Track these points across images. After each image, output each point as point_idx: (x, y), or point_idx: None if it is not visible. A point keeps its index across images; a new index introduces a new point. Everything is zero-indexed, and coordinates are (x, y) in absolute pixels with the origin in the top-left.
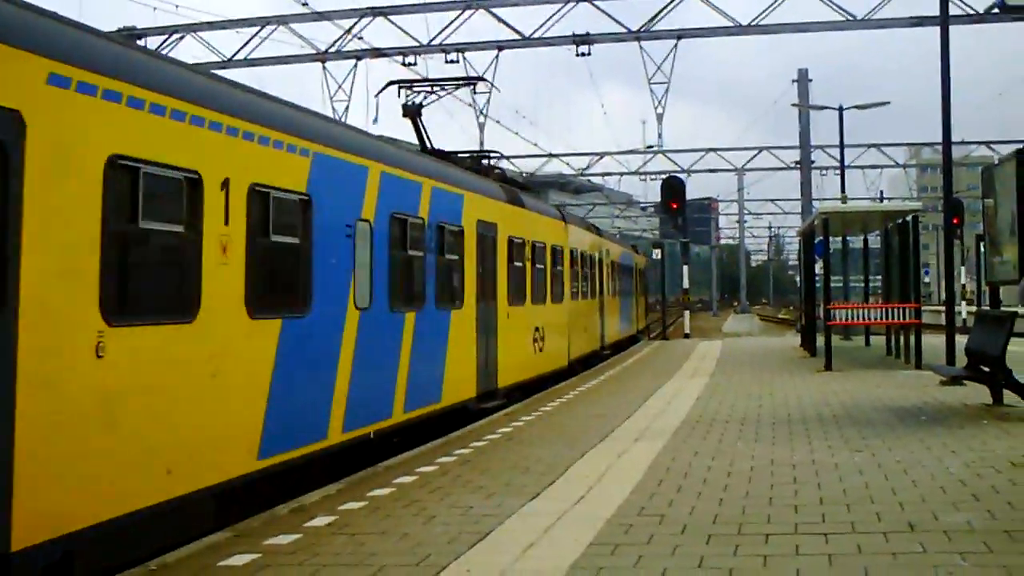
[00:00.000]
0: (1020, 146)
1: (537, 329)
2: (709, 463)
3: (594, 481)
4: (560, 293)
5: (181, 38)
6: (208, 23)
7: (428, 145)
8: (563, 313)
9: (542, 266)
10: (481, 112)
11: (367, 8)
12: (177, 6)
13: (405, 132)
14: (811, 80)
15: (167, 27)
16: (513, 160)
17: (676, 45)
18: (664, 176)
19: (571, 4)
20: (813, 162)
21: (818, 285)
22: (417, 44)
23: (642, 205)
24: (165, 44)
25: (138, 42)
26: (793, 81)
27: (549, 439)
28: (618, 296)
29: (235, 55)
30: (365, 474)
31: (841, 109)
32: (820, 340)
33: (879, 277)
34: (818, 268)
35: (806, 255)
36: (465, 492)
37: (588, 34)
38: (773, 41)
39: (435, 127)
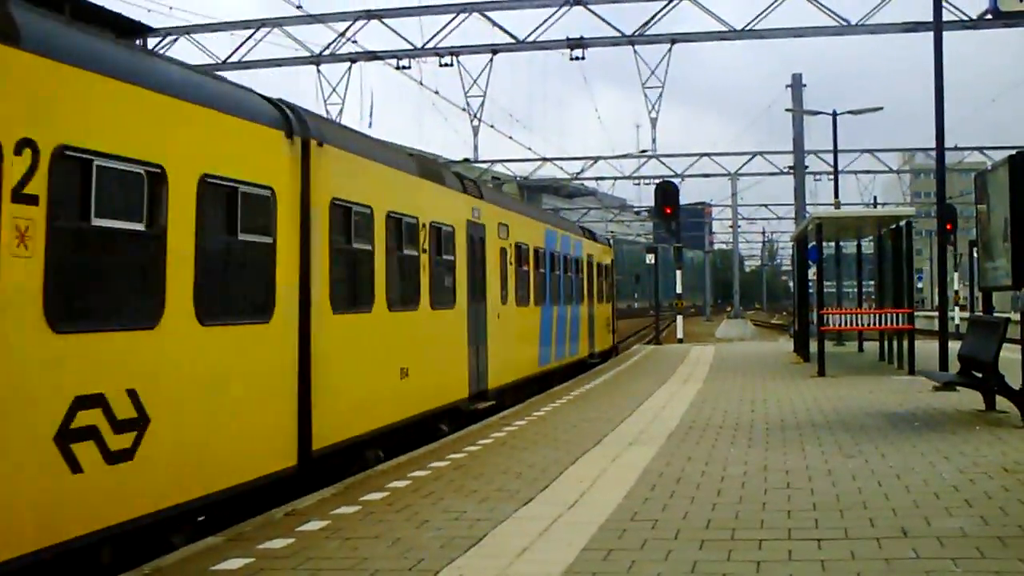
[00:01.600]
0: (1013, 151)
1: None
2: (703, 468)
3: (588, 486)
4: (280, 296)
5: (175, 40)
6: (202, 25)
7: None
8: (282, 345)
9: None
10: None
11: (361, 11)
12: (171, 8)
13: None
14: (805, 85)
15: (161, 29)
16: (507, 164)
17: (670, 49)
18: (658, 180)
19: (565, 8)
20: (807, 167)
21: (811, 290)
22: (411, 47)
23: (636, 209)
24: (159, 46)
25: None
26: (787, 86)
27: (543, 444)
28: (538, 302)
29: (229, 57)
30: (359, 479)
31: (835, 114)
32: (813, 345)
33: (872, 282)
34: (811, 273)
35: (800, 260)
36: (458, 497)
37: (582, 38)
38: (767, 46)
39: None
